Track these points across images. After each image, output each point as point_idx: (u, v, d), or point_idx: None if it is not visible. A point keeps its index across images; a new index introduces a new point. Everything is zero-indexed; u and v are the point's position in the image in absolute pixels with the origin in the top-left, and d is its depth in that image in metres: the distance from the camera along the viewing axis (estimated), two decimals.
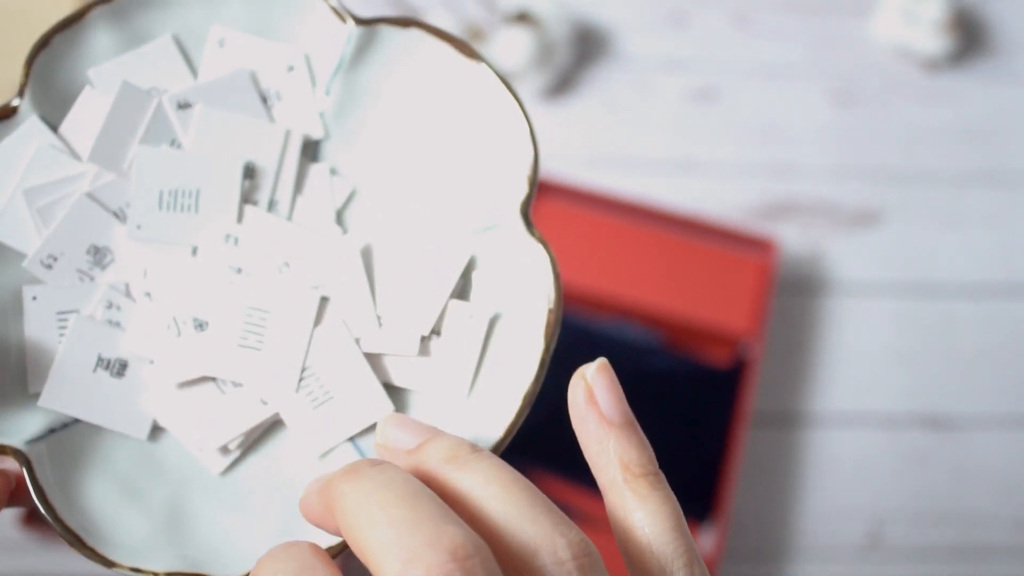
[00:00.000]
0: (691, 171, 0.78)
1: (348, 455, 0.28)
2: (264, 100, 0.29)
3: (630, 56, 0.82)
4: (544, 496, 0.23)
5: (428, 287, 0.28)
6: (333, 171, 0.29)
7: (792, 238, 0.76)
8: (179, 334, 0.28)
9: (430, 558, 0.19)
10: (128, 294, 0.28)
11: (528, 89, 0.78)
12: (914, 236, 0.78)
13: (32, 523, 0.64)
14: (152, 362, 0.28)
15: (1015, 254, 0.78)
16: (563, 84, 0.80)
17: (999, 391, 0.74)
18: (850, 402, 0.73)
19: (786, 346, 0.74)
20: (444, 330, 0.28)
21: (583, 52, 0.81)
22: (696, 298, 0.71)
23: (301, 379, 0.28)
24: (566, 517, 0.23)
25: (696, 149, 0.79)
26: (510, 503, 0.22)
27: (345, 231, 0.29)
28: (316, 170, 0.29)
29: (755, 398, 0.72)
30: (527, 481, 0.23)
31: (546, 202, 0.73)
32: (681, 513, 0.25)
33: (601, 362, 0.27)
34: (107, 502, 0.26)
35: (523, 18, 0.76)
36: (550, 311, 0.27)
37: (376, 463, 0.22)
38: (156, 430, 0.28)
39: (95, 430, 0.27)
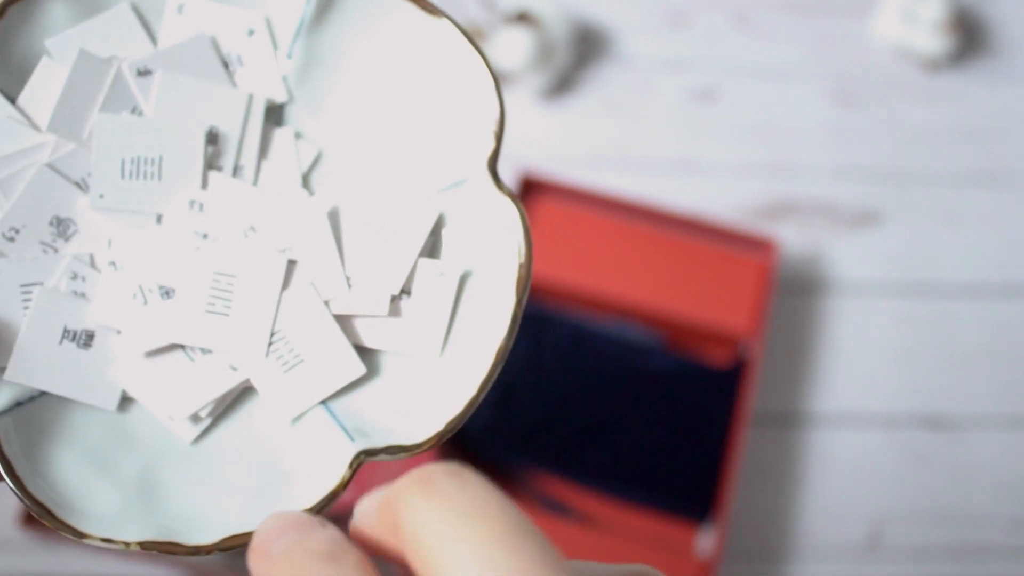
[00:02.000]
0: (691, 171, 0.78)
1: (320, 419, 0.27)
2: (226, 65, 0.29)
3: (630, 56, 0.82)
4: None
5: (397, 246, 0.28)
6: (298, 135, 0.29)
7: (792, 238, 0.76)
8: (145, 303, 0.27)
9: None
10: (93, 264, 0.28)
11: (528, 89, 0.78)
12: (914, 236, 0.78)
13: (32, 523, 0.64)
14: (119, 332, 0.27)
15: (1015, 254, 0.78)
16: (563, 84, 0.80)
17: (999, 391, 0.74)
18: (850, 402, 0.73)
19: (786, 346, 0.74)
20: (414, 289, 0.28)
21: (583, 52, 0.81)
22: (696, 298, 0.71)
23: (271, 343, 0.27)
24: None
25: (696, 149, 0.79)
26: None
27: (312, 194, 0.29)
28: (280, 134, 0.29)
29: (755, 398, 0.72)
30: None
31: (546, 202, 0.73)
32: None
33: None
34: (77, 474, 0.26)
35: (523, 18, 0.76)
36: (521, 265, 0.27)
37: (453, 472, 0.18)
38: (125, 400, 0.28)
39: (63, 402, 0.27)
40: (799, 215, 0.78)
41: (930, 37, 0.80)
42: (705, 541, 0.66)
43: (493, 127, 0.28)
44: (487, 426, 0.68)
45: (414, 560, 0.17)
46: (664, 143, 0.79)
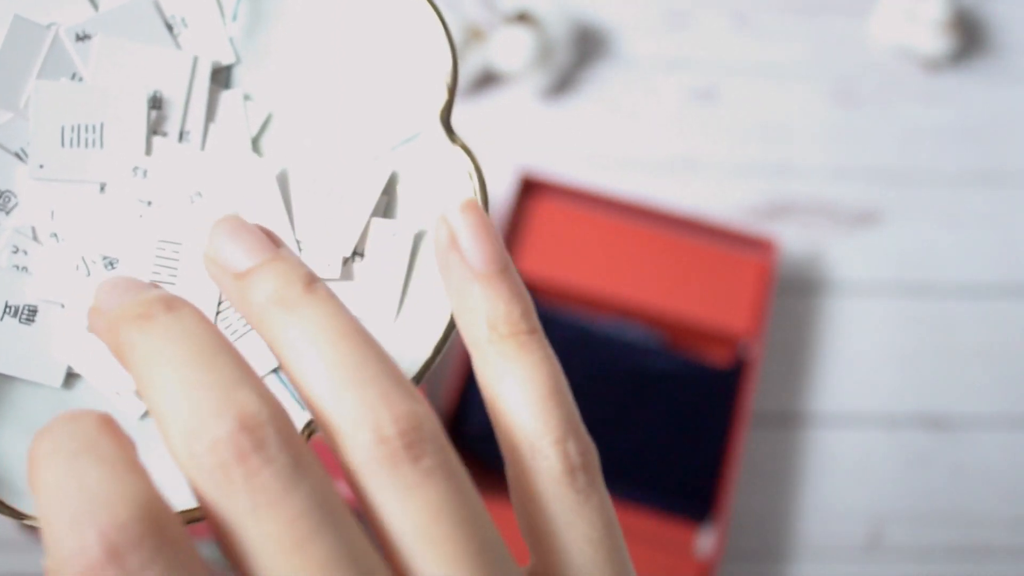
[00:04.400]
0: (691, 171, 0.78)
1: (273, 387, 0.27)
2: (170, 28, 0.28)
3: (630, 56, 0.82)
4: (381, 352, 0.20)
5: (348, 207, 0.27)
6: (246, 97, 0.28)
7: (792, 238, 0.76)
8: (89, 274, 0.26)
9: (215, 429, 0.17)
10: (35, 237, 0.27)
11: (528, 89, 0.78)
12: (914, 236, 0.78)
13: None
14: (63, 306, 0.27)
15: (1015, 254, 0.78)
16: (563, 84, 0.80)
17: (999, 391, 0.74)
18: (850, 402, 0.73)
19: (786, 346, 0.74)
20: (367, 251, 0.27)
21: (583, 52, 0.81)
22: (696, 298, 0.71)
23: (218, 311, 0.27)
24: (402, 379, 0.19)
25: (696, 149, 0.79)
26: (334, 364, 0.19)
27: (261, 156, 0.28)
28: (228, 96, 0.28)
29: (755, 398, 0.72)
30: (365, 334, 0.20)
31: (546, 202, 0.73)
32: (561, 377, 0.22)
33: (466, 201, 0.23)
34: (19, 453, 0.25)
35: (523, 18, 0.76)
36: None
37: (173, 305, 0.20)
38: (70, 377, 0.27)
39: (5, 380, 0.26)
40: (799, 215, 0.78)
41: (930, 37, 0.80)
42: (705, 541, 0.66)
43: (445, 79, 0.27)
44: (487, 426, 0.67)
45: (137, 389, 0.19)
46: (664, 143, 0.79)
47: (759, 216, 0.77)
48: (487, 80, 0.79)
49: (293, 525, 0.17)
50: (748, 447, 0.70)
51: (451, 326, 0.26)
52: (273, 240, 0.22)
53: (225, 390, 0.18)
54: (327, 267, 0.27)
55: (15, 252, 0.26)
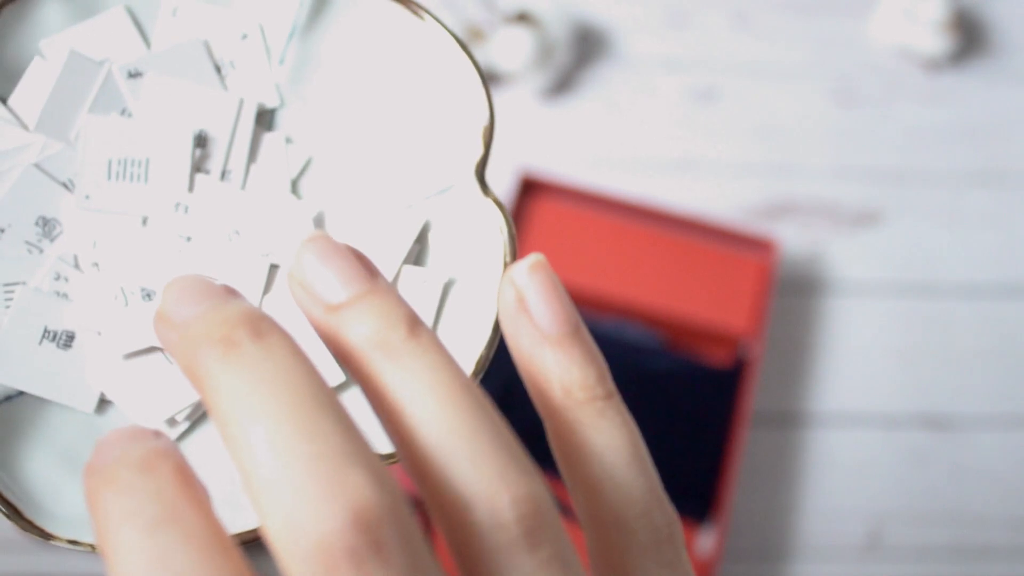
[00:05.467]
0: (691, 171, 0.78)
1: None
2: (218, 69, 0.29)
3: (630, 56, 0.82)
4: (494, 417, 0.18)
5: (381, 253, 0.28)
6: (288, 140, 0.29)
7: (792, 238, 0.76)
8: (126, 304, 0.27)
9: (325, 522, 0.15)
10: (77, 265, 0.28)
11: (528, 89, 0.78)
12: (914, 236, 0.78)
13: None
14: (99, 333, 0.27)
15: (1015, 254, 0.78)
16: (563, 84, 0.80)
17: (999, 391, 0.74)
18: (850, 402, 0.73)
19: (786, 346, 0.74)
20: None
21: (583, 52, 0.81)
22: (696, 298, 0.71)
23: None
24: (518, 452, 0.17)
25: (696, 149, 0.79)
26: (449, 429, 0.17)
27: (300, 199, 0.29)
28: (270, 139, 0.29)
29: (755, 398, 0.72)
30: (476, 392, 0.18)
31: (546, 202, 0.73)
32: (640, 444, 0.21)
33: (534, 259, 0.21)
34: (49, 475, 0.26)
35: (523, 18, 0.76)
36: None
37: (260, 329, 0.17)
38: (103, 403, 0.27)
39: (40, 403, 0.27)
40: (799, 215, 0.78)
41: (930, 37, 0.80)
42: (705, 541, 0.66)
43: (482, 133, 0.27)
44: None
45: (214, 423, 0.17)
46: (664, 143, 0.79)
47: (759, 216, 0.77)
48: (487, 80, 0.79)
49: None
50: (748, 447, 0.70)
51: (475, 375, 0.26)
52: (367, 267, 0.19)
53: (335, 469, 0.15)
54: None
55: (57, 279, 0.27)
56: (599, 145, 0.78)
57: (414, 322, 0.18)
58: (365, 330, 0.18)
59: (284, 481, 0.15)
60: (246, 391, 0.16)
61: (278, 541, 0.15)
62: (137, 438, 0.17)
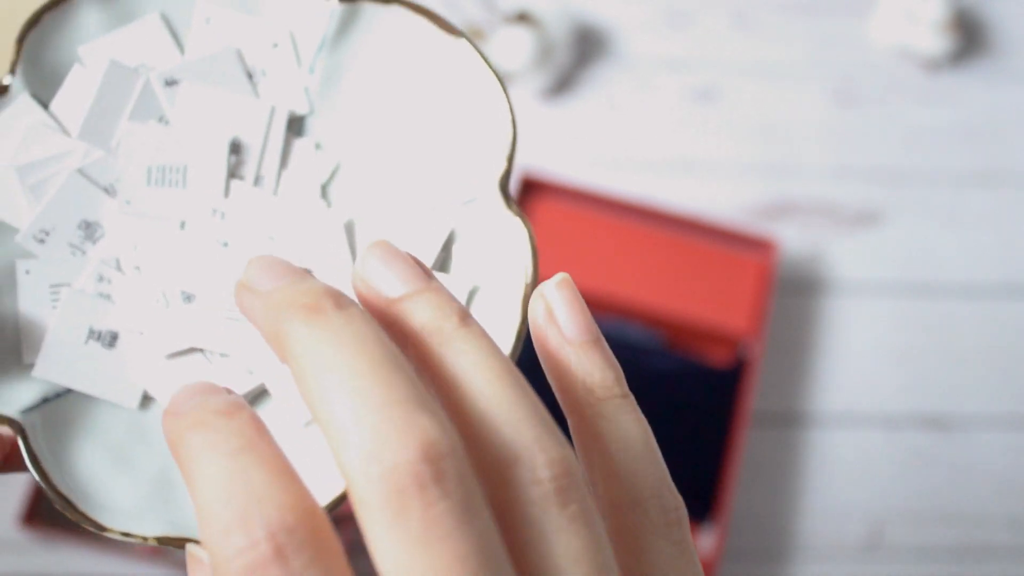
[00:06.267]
0: (691, 171, 0.78)
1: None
2: (250, 77, 0.30)
3: (630, 56, 0.82)
4: (532, 394, 0.20)
5: None
6: (318, 146, 0.30)
7: (792, 238, 0.76)
8: (167, 306, 0.28)
9: (397, 454, 0.17)
10: (119, 267, 0.29)
11: (528, 89, 0.78)
12: (914, 236, 0.78)
13: (32, 523, 0.64)
14: (142, 333, 0.28)
15: (1015, 254, 0.78)
16: (563, 84, 0.80)
17: (999, 391, 0.74)
18: (850, 402, 0.73)
19: (786, 346, 0.74)
20: None
21: (583, 52, 0.81)
22: (696, 298, 0.71)
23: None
24: (552, 424, 0.20)
25: (696, 149, 0.79)
26: (495, 400, 0.19)
27: (329, 205, 0.30)
28: (301, 145, 0.30)
29: (755, 398, 0.72)
30: (517, 372, 0.20)
31: (546, 202, 0.73)
32: (651, 438, 0.23)
33: (561, 277, 0.24)
34: (99, 469, 0.27)
35: (523, 18, 0.76)
36: (527, 285, 0.27)
37: (342, 303, 0.19)
38: (146, 399, 0.28)
39: (87, 400, 0.28)
40: (799, 215, 0.78)
41: (930, 37, 0.80)
42: (705, 541, 0.66)
43: (506, 148, 0.28)
44: None
45: (296, 383, 0.19)
46: (664, 143, 0.79)
47: (759, 216, 0.77)
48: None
49: (462, 562, 0.17)
50: (748, 447, 0.70)
51: None
52: (423, 269, 0.22)
53: (407, 413, 0.18)
54: None
55: (100, 280, 0.28)
56: (599, 145, 0.78)
57: (464, 314, 0.21)
58: (422, 317, 0.21)
59: (364, 420, 0.17)
60: (331, 352, 0.18)
61: (354, 471, 0.17)
62: (215, 391, 0.20)
